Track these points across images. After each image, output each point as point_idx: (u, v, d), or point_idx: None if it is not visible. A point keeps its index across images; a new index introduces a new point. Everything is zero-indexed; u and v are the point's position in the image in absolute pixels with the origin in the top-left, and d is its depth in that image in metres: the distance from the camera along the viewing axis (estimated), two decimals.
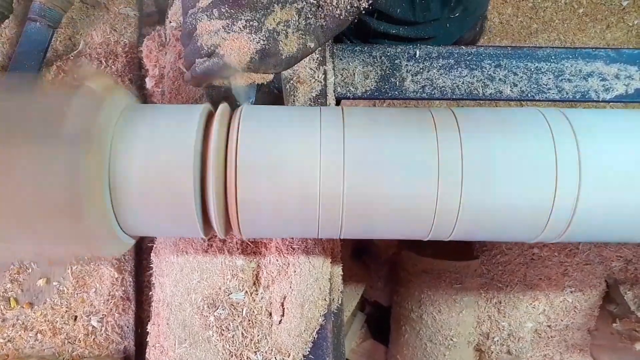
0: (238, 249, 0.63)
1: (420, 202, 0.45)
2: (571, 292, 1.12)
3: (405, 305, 1.17)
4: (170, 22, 0.72)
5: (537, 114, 0.49)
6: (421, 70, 0.73)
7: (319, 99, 0.67)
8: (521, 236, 0.50)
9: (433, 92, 0.73)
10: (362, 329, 1.36)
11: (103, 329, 0.74)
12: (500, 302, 1.16)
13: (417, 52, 0.73)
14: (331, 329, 0.62)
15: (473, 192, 0.45)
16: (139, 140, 0.45)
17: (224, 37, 0.49)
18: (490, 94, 0.73)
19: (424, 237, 0.51)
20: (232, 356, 0.60)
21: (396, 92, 0.73)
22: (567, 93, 0.73)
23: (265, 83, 0.53)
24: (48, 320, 0.73)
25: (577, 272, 1.11)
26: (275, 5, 0.49)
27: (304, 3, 0.50)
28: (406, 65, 0.73)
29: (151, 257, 0.65)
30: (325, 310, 0.62)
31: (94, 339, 0.73)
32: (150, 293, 0.65)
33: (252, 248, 0.63)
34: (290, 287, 0.61)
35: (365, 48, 0.74)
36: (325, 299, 0.62)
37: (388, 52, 0.74)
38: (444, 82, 0.73)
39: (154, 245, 0.65)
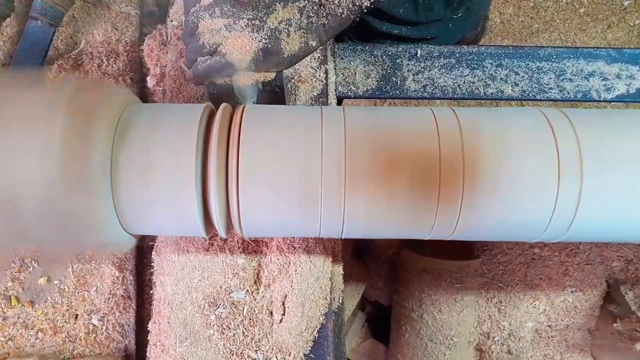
0: (239, 247, 0.63)
1: (421, 201, 0.45)
2: (572, 292, 1.12)
3: (406, 305, 1.17)
4: (172, 20, 0.72)
5: (538, 114, 0.49)
6: (422, 69, 0.73)
7: (320, 98, 0.67)
8: (522, 236, 0.50)
9: (434, 92, 0.73)
10: (362, 329, 1.36)
11: (104, 327, 0.74)
12: (501, 302, 1.16)
13: (419, 52, 0.73)
14: (332, 328, 0.62)
15: (474, 191, 0.45)
16: (140, 139, 0.45)
17: (225, 35, 0.49)
18: (491, 93, 0.73)
19: (426, 237, 0.51)
20: (232, 355, 0.60)
21: (397, 92, 0.73)
22: (568, 93, 0.73)
23: (266, 82, 0.53)
24: (49, 319, 0.73)
25: (577, 272, 1.11)
26: (277, 3, 0.49)
27: (306, 2, 0.50)
28: (407, 64, 0.73)
29: (152, 256, 0.65)
30: (326, 309, 0.62)
31: (94, 337, 0.73)
32: (151, 292, 0.65)
33: (253, 247, 0.63)
34: (291, 286, 0.61)
35: (367, 47, 0.74)
36: (326, 298, 0.62)
37: (389, 52, 0.74)
38: (445, 82, 0.73)
39: (155, 244, 0.65)
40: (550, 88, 0.73)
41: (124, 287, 0.74)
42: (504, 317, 1.16)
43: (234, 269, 0.62)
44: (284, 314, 0.61)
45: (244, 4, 0.49)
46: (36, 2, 0.70)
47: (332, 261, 0.63)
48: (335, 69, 0.72)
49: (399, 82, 0.73)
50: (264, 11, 0.49)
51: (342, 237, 0.51)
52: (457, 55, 0.74)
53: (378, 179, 0.45)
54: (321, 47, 0.67)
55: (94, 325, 0.74)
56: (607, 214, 0.46)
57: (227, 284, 0.62)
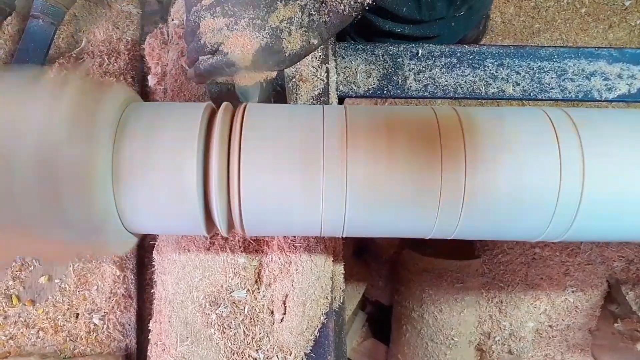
0: (240, 247, 0.63)
1: (423, 199, 0.45)
2: (572, 292, 1.12)
3: (407, 305, 1.17)
4: (173, 19, 0.72)
5: (540, 113, 0.49)
6: (424, 69, 0.73)
7: (321, 97, 0.67)
8: (524, 235, 0.50)
9: (435, 91, 0.73)
10: (363, 328, 1.36)
11: (105, 326, 0.74)
12: (502, 302, 1.16)
13: (420, 51, 0.73)
14: (333, 328, 0.62)
15: (476, 190, 0.45)
16: (141, 138, 0.45)
17: (227, 34, 0.49)
18: (492, 93, 0.73)
19: (427, 236, 0.51)
20: (233, 354, 0.60)
21: (398, 91, 0.73)
22: (569, 92, 0.73)
23: (268, 81, 0.53)
24: (50, 318, 0.73)
25: (578, 272, 1.11)
26: (279, 2, 0.49)
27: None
28: (409, 63, 0.73)
29: (153, 255, 0.65)
30: (327, 308, 0.62)
31: (95, 336, 0.74)
32: (152, 291, 0.65)
33: (254, 246, 0.63)
34: (292, 286, 0.61)
35: (368, 46, 0.74)
36: (327, 298, 0.62)
37: (390, 51, 0.74)
38: (447, 81, 0.73)
39: (156, 243, 0.65)
40: (552, 88, 0.73)
41: (124, 286, 0.74)
42: (505, 317, 1.16)
43: (235, 268, 0.62)
44: (284, 313, 0.61)
45: (245, 3, 0.49)
46: (37, 1, 0.70)
47: (333, 260, 0.63)
48: (336, 68, 0.72)
49: (400, 81, 0.73)
50: (265, 10, 0.49)
51: (344, 235, 0.51)
52: (459, 54, 0.74)
53: (380, 176, 0.45)
54: (322, 46, 0.67)
55: (95, 324, 0.74)
56: (609, 211, 0.46)
57: (228, 283, 0.62)
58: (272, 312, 0.61)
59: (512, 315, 1.16)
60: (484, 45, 0.76)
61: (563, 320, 1.15)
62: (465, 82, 0.73)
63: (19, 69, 0.71)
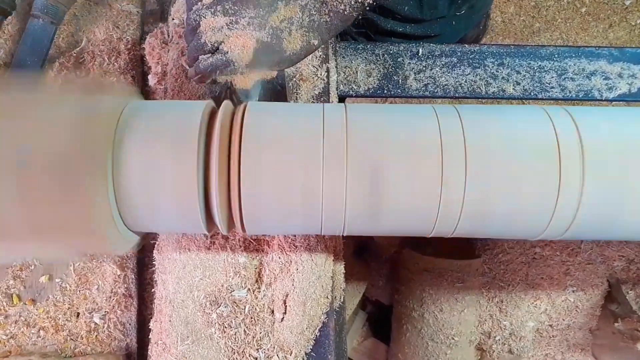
0: (240, 246, 0.63)
1: (423, 198, 0.45)
2: (573, 291, 1.12)
3: (407, 304, 1.17)
4: (173, 19, 0.72)
5: (540, 111, 0.49)
6: (424, 68, 0.73)
7: (322, 97, 0.67)
8: (524, 233, 0.50)
9: (436, 91, 0.73)
10: (363, 328, 1.36)
11: (105, 326, 0.74)
12: (502, 301, 1.16)
13: (420, 50, 0.73)
14: (333, 327, 0.62)
15: (476, 189, 0.45)
16: (141, 136, 0.45)
17: (227, 34, 0.49)
18: (493, 92, 0.73)
19: (427, 234, 0.51)
20: (234, 353, 0.60)
21: (399, 90, 0.73)
22: (570, 92, 0.73)
23: (268, 80, 0.53)
24: (50, 317, 0.73)
25: (579, 271, 1.11)
26: (279, 2, 0.49)
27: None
28: (409, 63, 0.73)
29: (154, 254, 0.65)
30: (327, 308, 0.62)
31: (96, 336, 0.73)
32: (153, 290, 0.65)
33: (255, 245, 0.63)
34: (293, 285, 0.61)
35: (368, 46, 0.74)
36: (327, 297, 0.62)
37: (391, 50, 0.74)
38: (447, 81, 0.73)
39: (157, 243, 0.65)
40: (552, 87, 0.73)
41: (125, 285, 0.74)
42: (505, 316, 1.16)
43: (235, 268, 0.62)
44: (285, 313, 0.61)
45: (246, 2, 0.49)
46: (38, 0, 0.70)
47: (333, 260, 0.63)
48: (336, 67, 0.72)
49: (400, 80, 0.73)
50: (266, 10, 0.49)
51: (344, 234, 0.51)
52: (459, 54, 0.74)
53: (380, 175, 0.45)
54: (323, 46, 0.67)
55: (96, 323, 0.74)
56: (609, 209, 0.46)
57: (229, 283, 0.62)
58: (273, 312, 0.61)
59: (512, 315, 1.15)
60: (484, 44, 0.76)
61: (563, 319, 1.15)
62: (466, 81, 0.73)
63: (20, 70, 0.71)
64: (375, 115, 0.48)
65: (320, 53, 0.68)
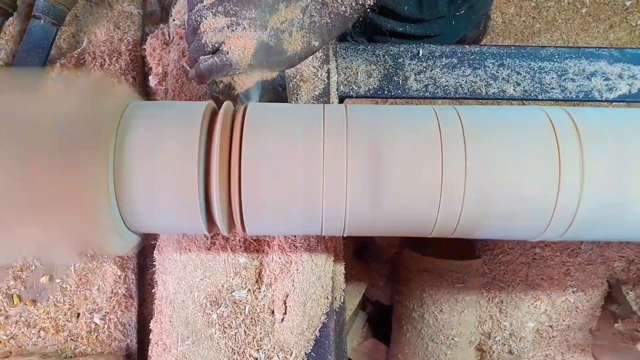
0: (241, 246, 0.63)
1: (423, 198, 0.46)
2: (573, 292, 1.12)
3: (407, 305, 1.17)
4: (174, 20, 0.72)
5: (540, 112, 0.49)
6: (424, 69, 0.73)
7: (322, 98, 0.67)
8: (524, 234, 0.50)
9: (436, 91, 0.73)
10: (363, 328, 1.36)
11: (106, 326, 0.74)
12: (502, 302, 1.16)
13: (421, 51, 0.73)
14: (333, 327, 0.62)
15: (476, 189, 0.45)
16: (142, 137, 0.45)
17: (228, 35, 0.49)
18: (493, 93, 0.73)
19: (427, 234, 0.51)
20: (234, 354, 0.60)
21: (399, 91, 0.73)
22: (570, 92, 0.73)
23: (268, 81, 0.53)
24: (51, 318, 0.73)
25: (579, 272, 1.11)
26: (280, 3, 0.49)
27: (309, 1, 0.50)
28: (409, 64, 0.73)
29: (154, 255, 0.65)
30: (327, 308, 0.62)
31: (96, 336, 0.74)
32: (153, 291, 0.65)
33: (255, 246, 0.63)
34: (293, 285, 0.61)
35: (369, 47, 0.74)
36: (327, 297, 0.62)
37: (391, 51, 0.74)
38: (447, 81, 0.73)
39: (157, 243, 0.65)
40: (552, 88, 0.73)
41: (125, 285, 0.74)
42: (505, 317, 1.16)
43: (235, 268, 0.62)
44: (285, 313, 0.61)
45: (246, 3, 0.49)
46: (39, 1, 0.70)
47: (333, 260, 0.63)
48: (337, 68, 0.72)
49: (400, 81, 0.73)
50: (267, 11, 0.49)
51: (345, 235, 0.51)
52: (459, 54, 0.74)
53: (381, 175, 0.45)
54: (323, 47, 0.67)
55: (96, 324, 0.74)
56: (609, 210, 0.46)
57: (229, 283, 0.62)
58: (273, 312, 0.62)
59: (512, 315, 1.16)
60: (484, 45, 0.76)
61: (563, 320, 1.15)
62: (466, 82, 0.73)
63: (21, 70, 0.72)
64: (376, 116, 0.48)
65: (320, 54, 0.68)
